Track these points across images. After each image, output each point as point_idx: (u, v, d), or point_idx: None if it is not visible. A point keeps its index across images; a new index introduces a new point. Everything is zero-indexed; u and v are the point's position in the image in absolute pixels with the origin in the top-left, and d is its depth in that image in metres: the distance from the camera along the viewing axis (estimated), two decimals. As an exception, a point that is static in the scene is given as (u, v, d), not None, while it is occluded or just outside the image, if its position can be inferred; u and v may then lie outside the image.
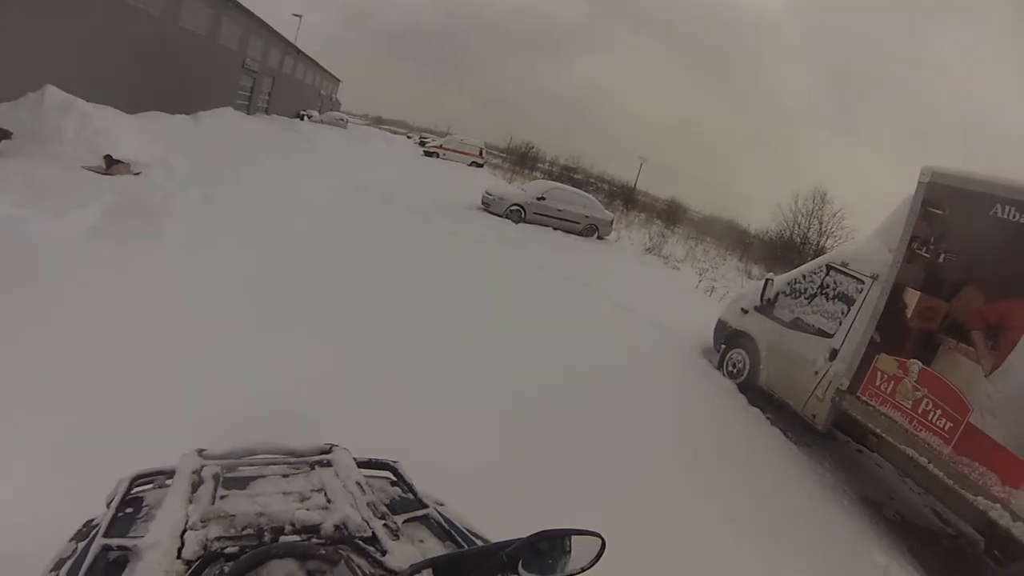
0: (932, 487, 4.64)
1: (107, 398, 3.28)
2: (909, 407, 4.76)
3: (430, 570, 1.08)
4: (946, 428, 4.45)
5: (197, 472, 1.44)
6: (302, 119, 33.62)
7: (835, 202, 29.35)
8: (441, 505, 1.64)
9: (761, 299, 6.81)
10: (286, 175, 12.73)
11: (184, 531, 1.18)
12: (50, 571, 1.34)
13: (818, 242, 27.98)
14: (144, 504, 1.47)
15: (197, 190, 8.76)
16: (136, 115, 12.59)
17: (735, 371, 6.92)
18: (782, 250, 27.58)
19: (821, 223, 29.47)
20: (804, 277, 6.44)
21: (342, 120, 39.58)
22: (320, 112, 42.02)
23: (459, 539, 1.43)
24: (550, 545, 1.14)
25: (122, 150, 9.22)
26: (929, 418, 4.59)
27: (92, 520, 1.45)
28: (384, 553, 1.21)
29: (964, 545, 4.94)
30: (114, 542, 1.24)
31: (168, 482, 1.41)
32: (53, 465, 2.60)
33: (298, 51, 34.24)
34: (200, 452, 1.55)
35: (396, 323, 5.76)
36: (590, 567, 1.17)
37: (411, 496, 1.61)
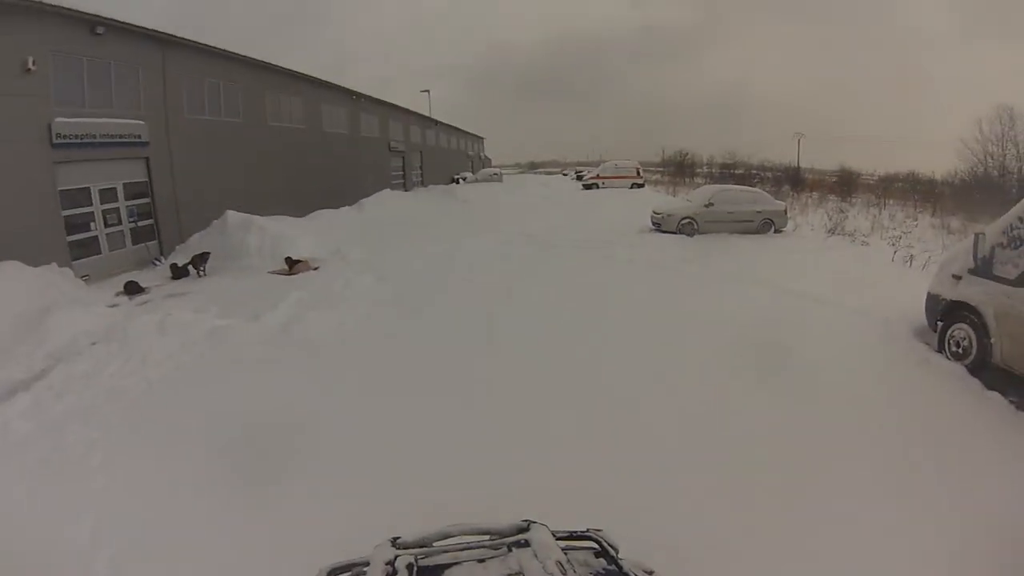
0: None
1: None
2: None
3: None
4: None
5: (391, 563, 1.44)
6: (457, 182, 35.80)
7: (1028, 115, 23.60)
8: (650, 573, 1.55)
9: (975, 259, 5.57)
10: (451, 238, 13.44)
11: None
12: None
13: (1019, 168, 23.29)
14: None
15: (371, 274, 9.65)
16: (307, 216, 14.67)
17: (960, 351, 5.67)
18: (979, 190, 22.86)
19: (1017, 145, 24.08)
20: (1021, 220, 5.10)
21: (496, 174, 41.08)
22: (473, 172, 44.59)
23: None
24: None
25: (300, 250, 10.73)
26: None
27: None
28: None
29: None
30: None
31: (365, 570, 1.44)
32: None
33: (436, 122, 37.35)
34: (394, 541, 1.55)
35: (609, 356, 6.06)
36: None
37: (615, 568, 1.52)
